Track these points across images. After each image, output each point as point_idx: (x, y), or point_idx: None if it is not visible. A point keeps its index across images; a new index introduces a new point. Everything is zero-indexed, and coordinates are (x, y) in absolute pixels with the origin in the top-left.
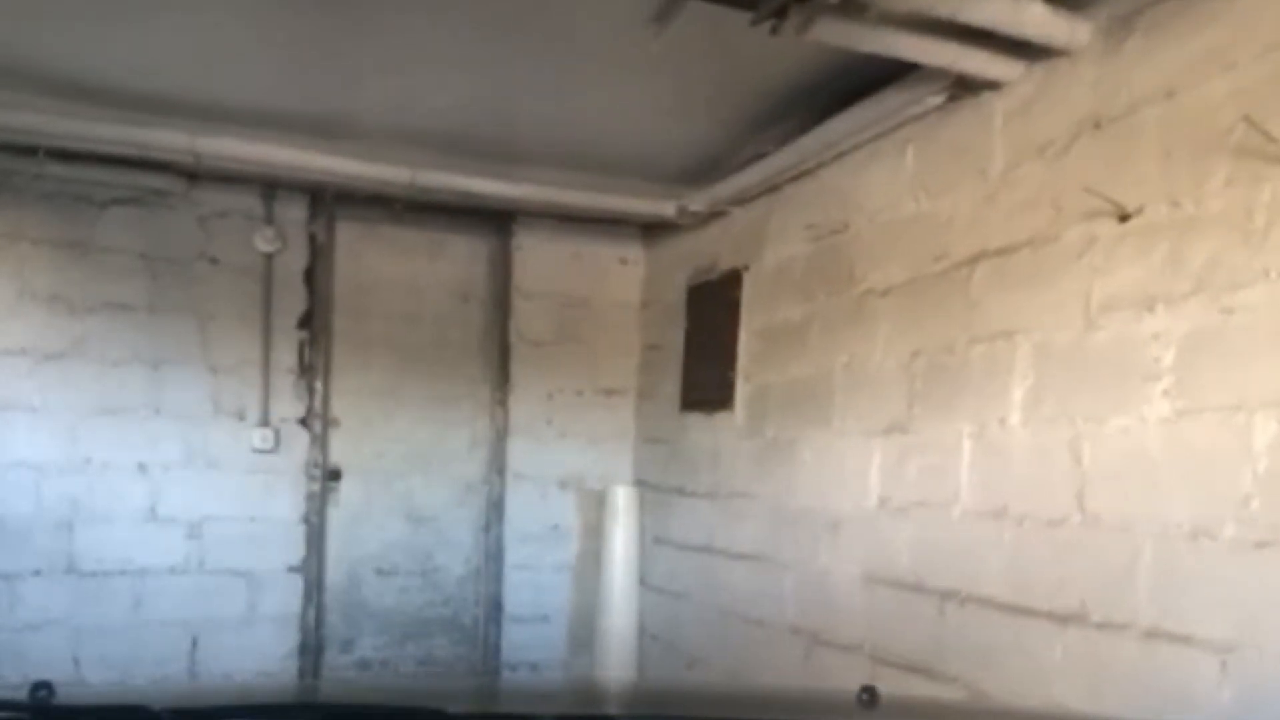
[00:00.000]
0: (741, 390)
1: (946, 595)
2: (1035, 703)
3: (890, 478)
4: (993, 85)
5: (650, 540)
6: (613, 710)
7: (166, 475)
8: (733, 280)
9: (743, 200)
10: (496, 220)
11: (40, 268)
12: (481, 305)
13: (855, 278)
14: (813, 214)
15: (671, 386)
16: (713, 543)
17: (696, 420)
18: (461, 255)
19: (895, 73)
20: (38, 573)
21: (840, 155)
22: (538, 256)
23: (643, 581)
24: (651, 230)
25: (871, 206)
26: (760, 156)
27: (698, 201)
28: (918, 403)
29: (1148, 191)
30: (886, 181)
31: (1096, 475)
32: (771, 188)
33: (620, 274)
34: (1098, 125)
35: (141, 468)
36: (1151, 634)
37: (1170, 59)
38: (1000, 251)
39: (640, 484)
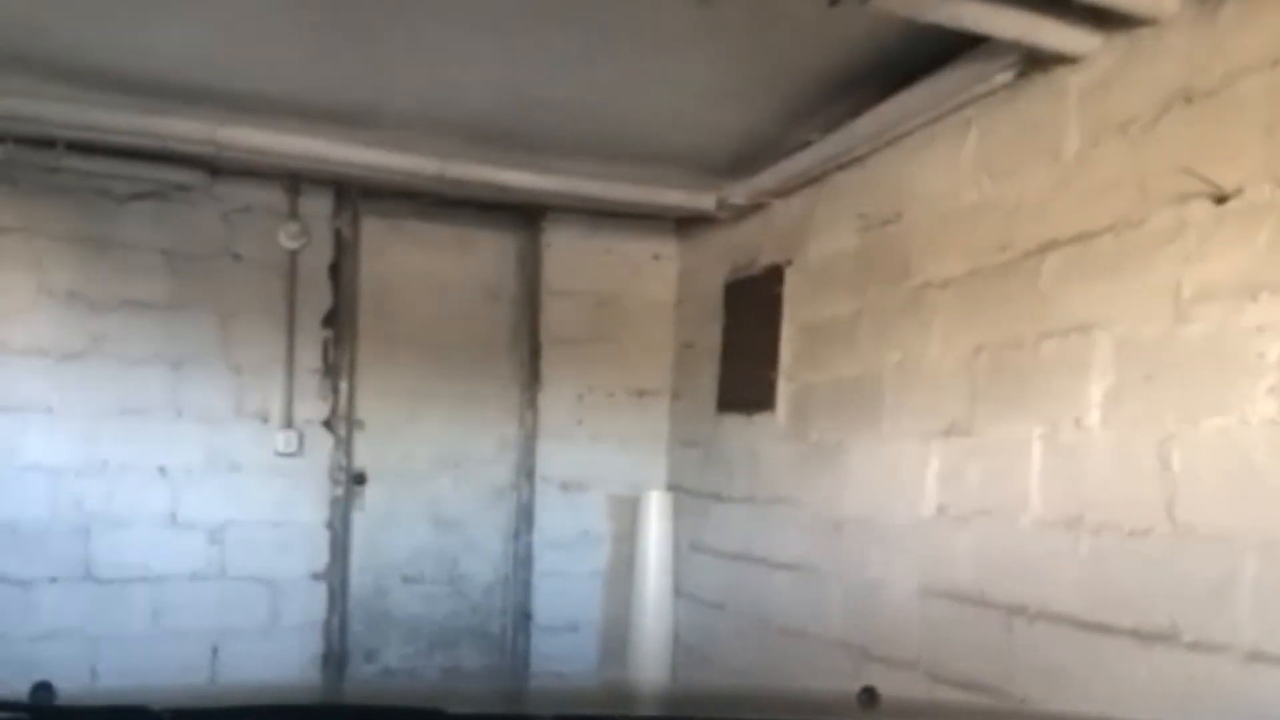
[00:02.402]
0: (783, 390)
1: (1014, 610)
2: None
3: (949, 483)
4: (1068, 59)
5: (685, 547)
6: (612, 710)
7: (187, 479)
8: (774, 275)
9: (786, 191)
10: (526, 215)
11: (59, 264)
12: (510, 303)
13: (910, 270)
14: (863, 204)
15: (707, 387)
16: (751, 550)
17: (734, 422)
18: (490, 251)
19: (957, 50)
20: (54, 580)
21: (895, 140)
22: (568, 253)
23: (677, 590)
24: (686, 225)
25: (928, 194)
26: (805, 145)
27: (738, 193)
28: (980, 402)
29: (1248, 170)
30: (946, 167)
31: (1189, 482)
32: (817, 177)
33: (653, 270)
34: (1189, 99)
35: (161, 471)
36: (1254, 656)
37: (1275, 24)
38: (1075, 239)
39: (674, 488)
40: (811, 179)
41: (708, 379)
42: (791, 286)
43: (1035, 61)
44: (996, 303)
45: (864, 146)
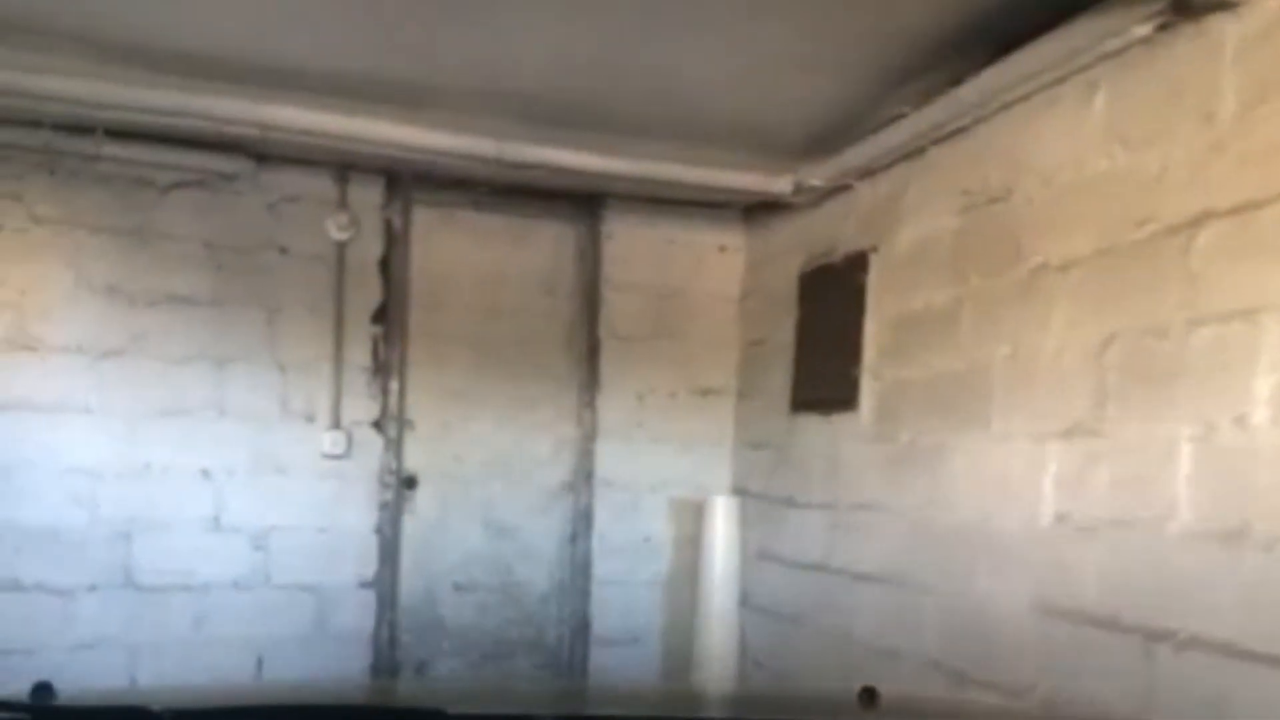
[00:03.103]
0: (868, 388)
1: (1156, 635)
2: None
3: (1072, 489)
4: (1224, 6)
5: (753, 555)
6: (610, 710)
7: (231, 482)
8: (857, 263)
9: (873, 171)
10: (585, 204)
11: (97, 257)
12: (568, 298)
13: (1022, 252)
14: (966, 180)
15: (779, 385)
16: (830, 560)
17: (810, 422)
18: (547, 243)
19: (1079, 4)
20: (93, 587)
21: (1005, 107)
22: (629, 244)
23: (744, 601)
24: (753, 213)
25: (1045, 165)
26: (896, 118)
27: (818, 174)
28: (1112, 400)
29: None
30: (1067, 134)
31: None
32: (910, 153)
33: (718, 262)
34: None
35: (205, 474)
36: None
37: None
38: (1235, 211)
39: (740, 493)
40: (903, 155)
41: (779, 377)
42: (877, 275)
43: (1182, 10)
44: (1133, 286)
45: (969, 116)
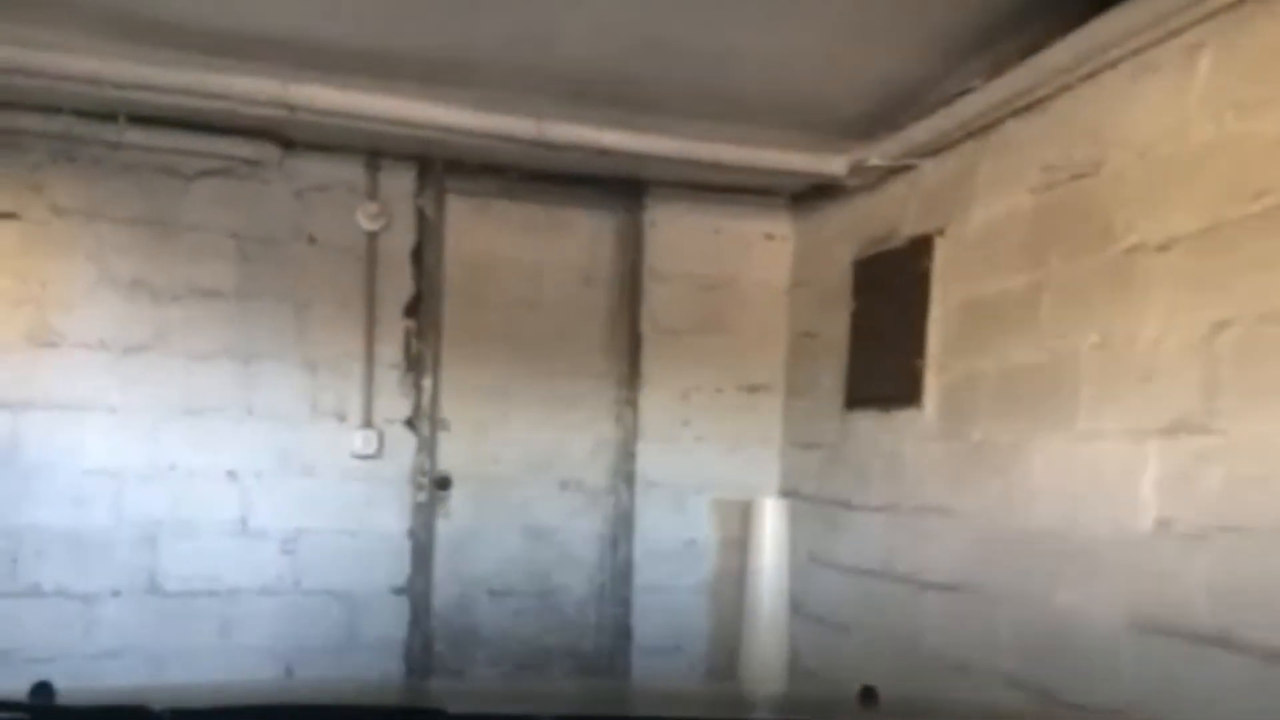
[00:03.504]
0: (933, 382)
1: (1277, 655)
2: None
3: (1176, 492)
4: None
5: (804, 560)
6: (613, 710)
7: (258, 483)
8: (921, 248)
9: (938, 148)
10: (626, 191)
11: (120, 250)
12: (608, 289)
13: (1114, 232)
14: (1046, 155)
15: (831, 381)
16: (892, 566)
17: (868, 419)
18: (586, 232)
19: None
20: (117, 593)
21: (1093, 75)
22: (672, 233)
23: (794, 608)
24: (802, 200)
25: (1141, 137)
26: (965, 92)
27: (878, 153)
28: (1224, 392)
29: None
30: (1166, 102)
31: None
32: (981, 128)
33: (766, 251)
34: None
35: (231, 475)
36: None
37: None
38: None
39: (789, 494)
40: (974, 130)
41: (831, 372)
42: (943, 260)
43: None
44: (1248, 266)
45: (1050, 85)
